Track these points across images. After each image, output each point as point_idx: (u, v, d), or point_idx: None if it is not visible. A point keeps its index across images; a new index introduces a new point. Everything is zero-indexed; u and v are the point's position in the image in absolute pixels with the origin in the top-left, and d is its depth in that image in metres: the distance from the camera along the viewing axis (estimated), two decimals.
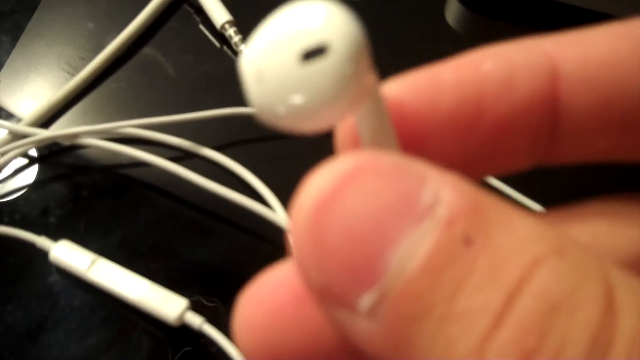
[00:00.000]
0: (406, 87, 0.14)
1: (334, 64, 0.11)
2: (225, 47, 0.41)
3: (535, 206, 0.34)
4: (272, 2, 0.43)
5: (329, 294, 0.11)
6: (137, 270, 0.33)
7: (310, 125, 0.11)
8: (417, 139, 0.14)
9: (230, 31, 0.40)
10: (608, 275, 0.10)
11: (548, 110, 0.14)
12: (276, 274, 0.14)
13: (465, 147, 0.14)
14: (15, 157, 0.37)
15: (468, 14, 0.43)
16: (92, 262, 0.33)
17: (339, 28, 0.11)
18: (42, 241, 0.34)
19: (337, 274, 0.11)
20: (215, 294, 0.33)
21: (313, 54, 0.11)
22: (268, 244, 0.34)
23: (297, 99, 0.11)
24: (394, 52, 0.41)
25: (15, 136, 0.37)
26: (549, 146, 0.14)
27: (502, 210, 0.11)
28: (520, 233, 0.11)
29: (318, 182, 0.11)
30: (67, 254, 0.33)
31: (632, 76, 0.13)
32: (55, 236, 0.34)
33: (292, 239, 0.11)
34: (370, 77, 0.12)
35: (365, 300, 0.11)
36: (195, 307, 0.32)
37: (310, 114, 0.11)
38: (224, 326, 0.31)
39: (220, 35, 0.41)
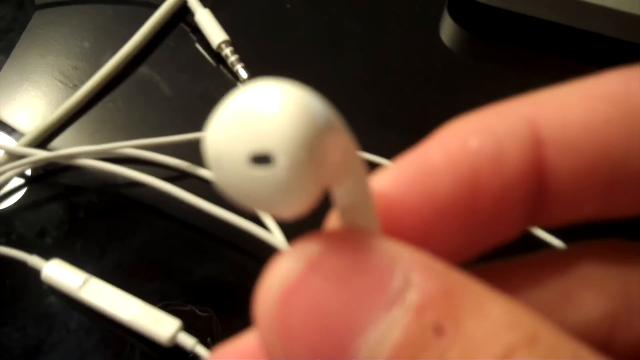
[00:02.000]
0: (397, 178, 0.13)
1: (278, 175, 0.10)
2: (221, 67, 0.41)
3: (556, 242, 0.34)
4: (267, 23, 0.43)
5: None
6: (133, 292, 0.33)
7: (274, 216, 0.11)
8: (415, 230, 0.13)
9: (227, 51, 0.40)
10: (582, 357, 0.10)
11: (535, 179, 0.13)
12: (238, 345, 0.13)
13: (464, 230, 0.13)
14: (12, 177, 0.37)
15: (463, 33, 0.43)
16: (85, 282, 0.33)
17: (284, 136, 0.10)
18: (33, 260, 0.34)
19: None
20: (216, 309, 0.33)
21: (261, 159, 0.10)
22: (265, 265, 0.34)
23: (248, 199, 0.10)
24: (389, 71, 0.41)
25: (12, 157, 0.37)
26: (536, 213, 0.14)
27: (474, 294, 0.11)
28: (493, 320, 0.10)
29: (284, 266, 0.11)
30: (59, 273, 0.33)
31: (614, 139, 0.13)
32: (50, 257, 0.34)
33: (257, 326, 0.11)
34: (332, 164, 0.10)
35: None
36: (189, 317, 0.32)
37: (265, 211, 0.10)
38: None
39: (216, 55, 0.41)
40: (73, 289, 0.33)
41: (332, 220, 0.13)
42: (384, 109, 0.40)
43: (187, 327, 0.32)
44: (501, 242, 0.14)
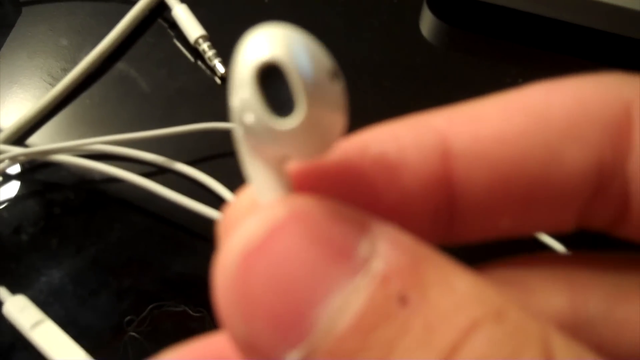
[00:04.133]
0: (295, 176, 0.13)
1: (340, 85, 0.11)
2: (199, 62, 0.41)
3: (559, 247, 0.34)
4: (245, 18, 0.43)
5: (252, 347, 0.10)
6: (110, 287, 0.33)
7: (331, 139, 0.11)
8: None
9: (204, 46, 0.40)
10: (548, 340, 0.10)
11: (443, 191, 0.13)
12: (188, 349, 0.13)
13: None
14: None
15: (442, 26, 0.43)
16: (37, 323, 0.32)
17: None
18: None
19: (263, 328, 0.10)
20: (194, 304, 0.33)
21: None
22: None
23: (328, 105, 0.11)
24: (368, 64, 0.41)
25: None
26: (448, 226, 0.13)
27: (441, 267, 0.10)
28: (458, 293, 0.10)
29: (246, 229, 0.11)
30: (18, 310, 0.32)
31: (529, 152, 0.12)
32: (27, 255, 0.34)
33: (215, 286, 0.11)
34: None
35: (291, 357, 0.10)
36: (182, 317, 0.32)
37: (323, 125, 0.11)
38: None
39: (194, 50, 0.41)
40: (25, 329, 0.32)
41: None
42: (363, 103, 0.40)
43: (181, 328, 0.32)
44: None
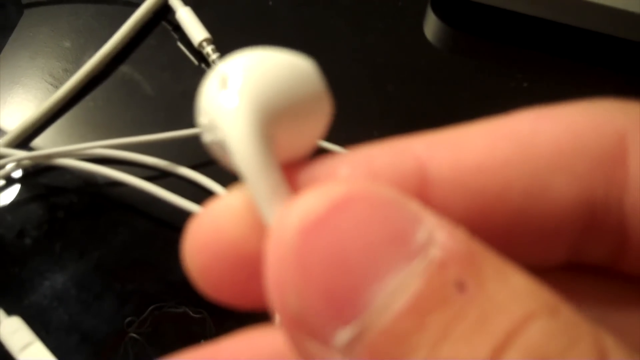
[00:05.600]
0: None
1: None
2: (203, 65, 0.41)
3: None
4: (249, 20, 0.43)
5: (303, 322, 0.10)
6: (113, 291, 0.33)
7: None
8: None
9: (208, 49, 0.40)
10: (601, 338, 0.10)
11: None
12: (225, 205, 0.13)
13: None
14: None
15: (446, 30, 0.43)
16: (26, 346, 0.32)
17: None
18: None
19: (316, 302, 0.10)
20: (195, 306, 0.33)
21: None
22: None
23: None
24: (373, 68, 0.41)
25: None
26: None
27: (497, 262, 0.10)
28: (515, 286, 0.10)
29: (307, 202, 0.11)
30: (10, 332, 0.32)
31: (512, 182, 0.12)
32: (30, 259, 0.34)
33: (268, 258, 0.11)
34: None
35: (342, 335, 0.10)
36: (182, 319, 0.32)
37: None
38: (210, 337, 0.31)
39: (198, 53, 0.41)
40: (15, 351, 0.32)
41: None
42: (367, 105, 0.40)
43: (181, 330, 0.32)
44: None
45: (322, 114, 0.13)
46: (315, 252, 0.10)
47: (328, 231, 0.10)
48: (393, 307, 0.10)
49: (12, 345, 0.32)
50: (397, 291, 0.10)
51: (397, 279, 0.10)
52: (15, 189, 0.37)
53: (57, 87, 0.40)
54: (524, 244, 0.12)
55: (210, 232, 0.13)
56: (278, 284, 0.11)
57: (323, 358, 0.10)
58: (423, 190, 0.12)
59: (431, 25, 0.43)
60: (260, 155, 0.11)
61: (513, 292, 0.10)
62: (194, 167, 0.36)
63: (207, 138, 0.12)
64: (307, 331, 0.10)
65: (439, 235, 0.10)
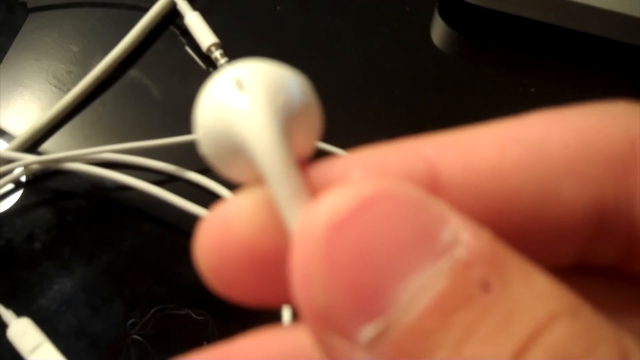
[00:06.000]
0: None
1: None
2: (211, 69, 0.41)
3: None
4: (257, 25, 0.43)
5: (328, 318, 0.10)
6: (122, 297, 0.33)
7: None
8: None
9: (217, 53, 0.40)
10: (623, 341, 0.10)
11: None
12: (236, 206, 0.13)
13: None
14: (6, 183, 0.37)
15: (454, 35, 0.43)
16: (36, 347, 0.32)
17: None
18: (6, 314, 0.33)
19: (342, 298, 0.10)
20: (204, 310, 0.33)
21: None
22: None
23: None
24: (380, 73, 0.41)
25: (1, 161, 0.37)
26: None
27: (521, 263, 0.10)
28: (539, 287, 0.10)
29: (335, 200, 0.11)
30: (20, 333, 0.32)
31: (524, 187, 0.12)
32: (39, 263, 0.34)
33: (295, 254, 0.11)
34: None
35: (367, 331, 0.10)
36: (185, 321, 0.32)
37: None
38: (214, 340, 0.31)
39: (206, 57, 0.41)
40: (25, 352, 0.32)
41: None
42: (374, 111, 0.40)
43: (184, 332, 0.32)
44: None
45: (317, 122, 0.13)
46: (343, 249, 0.10)
47: (356, 228, 0.10)
48: (417, 305, 0.10)
49: (22, 347, 0.32)
50: (422, 289, 0.10)
51: (422, 278, 0.10)
52: (24, 192, 0.37)
53: (60, 90, 0.40)
54: (534, 247, 0.12)
55: (222, 231, 0.13)
56: (305, 279, 0.11)
57: (347, 354, 0.10)
58: (434, 193, 0.12)
59: (438, 30, 0.43)
60: (285, 155, 0.12)
61: (537, 293, 0.10)
62: (201, 172, 0.36)
63: (212, 143, 0.12)
64: (332, 327, 0.10)
65: (464, 236, 0.10)
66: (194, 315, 0.33)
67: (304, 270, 0.11)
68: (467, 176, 0.12)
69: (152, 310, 0.33)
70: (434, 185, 0.12)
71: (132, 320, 0.33)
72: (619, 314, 0.13)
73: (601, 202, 0.12)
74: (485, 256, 0.10)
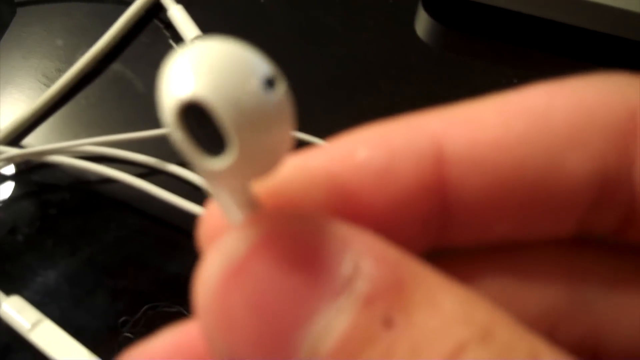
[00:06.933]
0: (285, 176, 0.12)
1: (283, 96, 0.10)
2: None
3: None
4: (241, 18, 0.43)
5: None
6: (105, 288, 0.33)
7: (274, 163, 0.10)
8: None
9: None
10: (538, 356, 0.09)
11: (435, 197, 0.12)
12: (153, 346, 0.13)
13: None
14: None
15: (438, 27, 0.43)
16: (35, 324, 0.32)
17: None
18: None
19: (244, 350, 0.10)
20: (189, 305, 0.33)
21: (269, 83, 0.10)
22: None
23: (278, 128, 0.10)
24: (365, 66, 0.41)
25: None
26: (441, 231, 0.13)
27: (428, 284, 0.10)
28: (445, 312, 0.10)
29: (226, 248, 0.10)
30: (14, 311, 0.32)
31: (528, 158, 0.12)
32: (22, 256, 0.34)
33: (196, 310, 0.10)
34: None
35: None
36: (176, 318, 0.32)
37: (282, 146, 0.10)
38: None
39: None
40: (23, 329, 0.32)
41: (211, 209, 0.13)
42: (358, 103, 0.40)
43: None
44: None
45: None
46: (236, 300, 0.10)
47: (248, 277, 0.10)
48: (321, 350, 0.09)
49: (21, 325, 0.32)
50: (324, 332, 0.09)
51: (323, 319, 0.10)
52: (7, 186, 0.37)
53: (50, 87, 0.40)
54: (538, 218, 0.12)
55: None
56: (206, 331, 0.10)
57: None
58: (440, 169, 0.12)
59: (422, 23, 0.43)
60: None
61: (443, 319, 0.10)
62: (185, 165, 0.36)
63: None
64: None
65: (364, 265, 0.10)
66: (185, 312, 0.33)
67: (203, 322, 0.10)
68: (472, 150, 0.12)
69: (144, 308, 0.33)
70: (440, 159, 0.12)
71: (123, 318, 0.33)
72: (611, 290, 0.13)
73: (603, 171, 0.12)
74: (387, 286, 0.10)
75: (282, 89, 0.10)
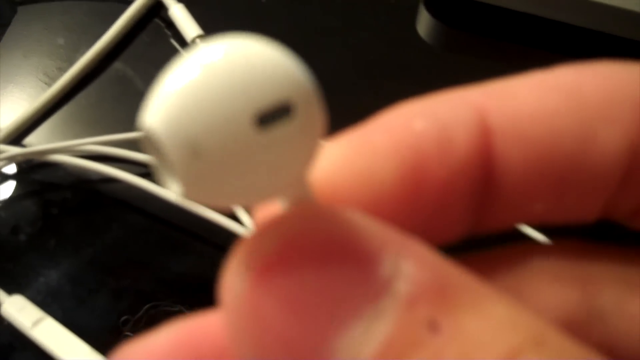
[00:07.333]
0: (338, 159, 0.12)
1: (304, 127, 0.09)
2: None
3: (539, 236, 0.32)
4: (242, 17, 0.43)
5: None
6: (108, 287, 0.33)
7: (252, 201, 0.09)
8: None
9: None
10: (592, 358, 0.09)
11: (483, 170, 0.12)
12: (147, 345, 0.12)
13: (407, 220, 0.12)
14: None
15: (439, 26, 0.43)
16: (37, 322, 0.32)
17: (302, 82, 0.09)
18: None
19: (275, 353, 0.09)
20: (190, 304, 0.33)
21: (271, 116, 0.08)
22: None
23: (254, 175, 0.09)
24: (366, 65, 0.41)
25: None
26: (481, 213, 0.13)
27: (472, 289, 0.09)
28: (494, 319, 0.09)
29: (257, 246, 0.10)
30: (16, 310, 0.32)
31: (564, 131, 0.12)
32: (25, 255, 0.34)
33: (223, 311, 0.10)
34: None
35: None
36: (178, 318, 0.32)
37: (262, 186, 0.09)
38: None
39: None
40: (26, 327, 0.32)
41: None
42: (360, 103, 0.40)
43: None
44: (442, 242, 0.13)
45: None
46: (270, 299, 0.09)
47: (281, 277, 0.09)
48: (361, 356, 0.09)
49: (23, 323, 0.32)
50: (364, 338, 0.09)
51: (363, 324, 0.09)
52: (9, 185, 0.37)
53: (51, 86, 0.40)
54: (572, 196, 0.12)
55: None
56: (233, 332, 0.10)
57: None
58: (487, 141, 0.12)
59: (424, 22, 0.43)
60: None
61: (493, 325, 0.09)
62: None
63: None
64: None
65: (405, 266, 0.09)
66: (187, 312, 0.33)
67: (231, 324, 0.10)
68: (514, 122, 0.12)
69: (145, 307, 0.33)
70: (485, 132, 0.12)
71: (125, 317, 0.33)
72: (633, 292, 0.13)
73: (632, 148, 0.12)
74: (431, 288, 0.09)
75: (285, 126, 0.08)
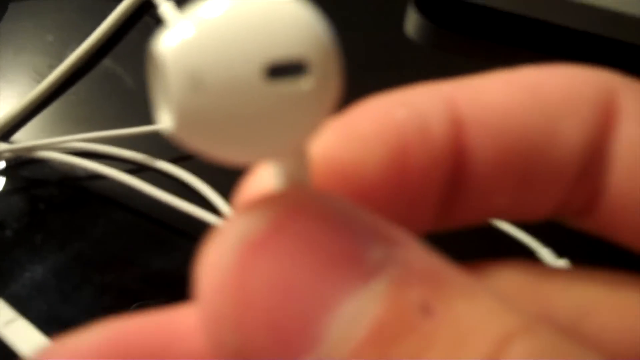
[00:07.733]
0: (332, 143, 0.12)
1: (310, 88, 0.08)
2: None
3: (547, 255, 0.33)
4: None
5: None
6: (93, 284, 0.33)
7: (244, 157, 0.09)
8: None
9: None
10: (587, 356, 0.09)
11: (455, 159, 0.12)
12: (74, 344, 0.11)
13: (390, 208, 0.12)
14: None
15: (428, 26, 0.43)
16: (9, 322, 0.32)
17: (321, 41, 0.09)
18: None
19: (259, 336, 0.09)
20: (175, 301, 0.33)
21: (283, 70, 0.08)
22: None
23: (251, 128, 0.08)
24: (354, 64, 0.41)
25: None
26: (450, 204, 0.13)
27: (462, 280, 0.09)
28: (485, 305, 0.09)
29: (246, 222, 0.09)
30: None
31: (530, 124, 0.12)
32: (11, 251, 0.34)
33: (201, 286, 0.09)
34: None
35: None
36: None
37: (258, 142, 0.09)
38: None
39: None
40: None
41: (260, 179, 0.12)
42: (347, 102, 0.40)
43: None
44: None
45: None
46: (257, 279, 0.09)
47: (271, 254, 0.09)
48: (352, 337, 0.09)
49: None
50: (355, 318, 0.09)
51: (354, 305, 0.09)
52: None
53: (40, 83, 0.40)
54: (534, 189, 0.13)
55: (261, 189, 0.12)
56: (213, 316, 0.09)
57: None
58: (460, 132, 0.12)
59: (412, 22, 0.43)
60: None
61: (486, 312, 0.09)
62: (173, 161, 0.37)
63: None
64: None
65: (397, 252, 0.09)
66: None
67: (212, 306, 0.09)
68: (483, 114, 0.12)
69: (133, 306, 0.33)
70: (458, 123, 0.12)
71: (109, 316, 0.33)
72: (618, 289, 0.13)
73: (590, 141, 0.12)
74: (423, 273, 0.09)
75: (296, 85, 0.08)
